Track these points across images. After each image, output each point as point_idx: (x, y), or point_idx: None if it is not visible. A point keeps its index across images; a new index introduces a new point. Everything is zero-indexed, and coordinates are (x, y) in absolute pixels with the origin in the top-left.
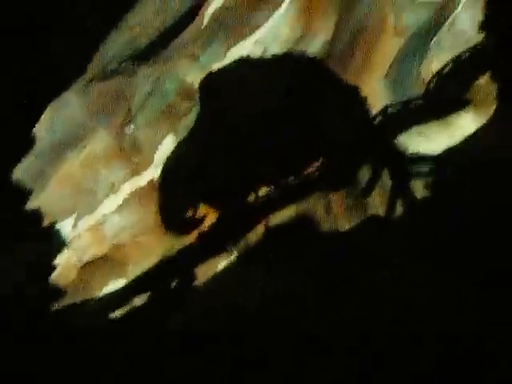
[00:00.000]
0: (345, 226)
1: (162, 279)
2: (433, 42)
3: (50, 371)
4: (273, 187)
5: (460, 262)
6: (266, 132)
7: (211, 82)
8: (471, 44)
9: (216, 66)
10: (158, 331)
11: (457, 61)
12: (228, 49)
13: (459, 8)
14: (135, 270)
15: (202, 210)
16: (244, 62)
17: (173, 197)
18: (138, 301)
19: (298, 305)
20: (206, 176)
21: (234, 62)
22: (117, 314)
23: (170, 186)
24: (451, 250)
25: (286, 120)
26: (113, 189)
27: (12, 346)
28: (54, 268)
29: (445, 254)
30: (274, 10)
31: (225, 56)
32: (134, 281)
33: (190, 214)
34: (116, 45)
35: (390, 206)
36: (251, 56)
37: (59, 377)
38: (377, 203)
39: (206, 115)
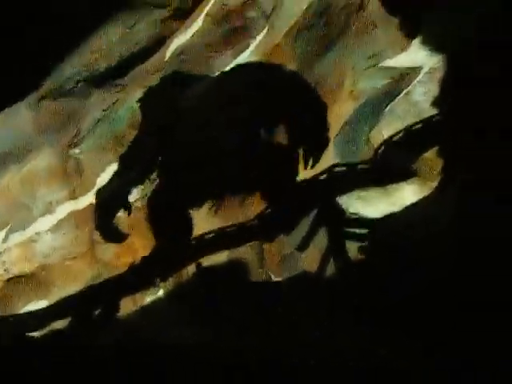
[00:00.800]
0: (276, 277)
1: (86, 306)
2: (386, 109)
3: None
4: (209, 229)
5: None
6: (212, 177)
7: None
8: (423, 117)
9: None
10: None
11: (407, 131)
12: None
13: (417, 79)
14: (60, 292)
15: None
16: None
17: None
18: (58, 325)
19: (217, 350)
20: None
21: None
22: (35, 334)
23: (105, 210)
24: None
25: (236, 168)
26: (49, 208)
27: None
28: None
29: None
30: (236, 56)
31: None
32: (56, 303)
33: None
34: (74, 66)
35: (323, 264)
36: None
37: None
38: (310, 259)
39: (153, 136)
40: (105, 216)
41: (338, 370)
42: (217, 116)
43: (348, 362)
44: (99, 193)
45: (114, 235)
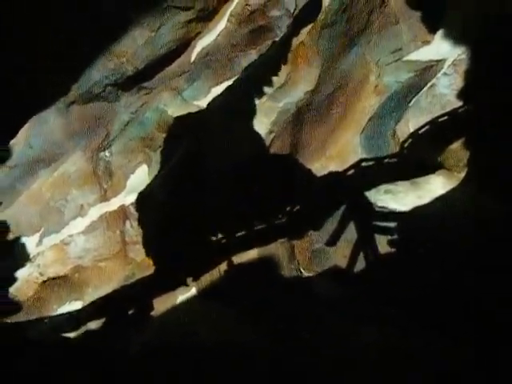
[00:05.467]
0: (307, 272)
1: (120, 306)
2: (411, 102)
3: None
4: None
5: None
6: (241, 177)
7: (193, 122)
8: (448, 109)
9: (198, 104)
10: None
11: (433, 124)
12: (212, 87)
13: (441, 72)
14: (94, 293)
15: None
16: (227, 107)
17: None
18: (93, 324)
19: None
20: (174, 210)
21: (217, 106)
22: (71, 334)
23: (142, 214)
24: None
25: (262, 167)
26: (81, 211)
27: None
28: (14, 281)
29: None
30: (260, 55)
31: (208, 93)
32: (91, 304)
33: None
34: (102, 70)
35: (353, 258)
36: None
37: None
38: (340, 254)
39: (185, 153)
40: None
41: (363, 363)
42: (237, 119)
43: (371, 356)
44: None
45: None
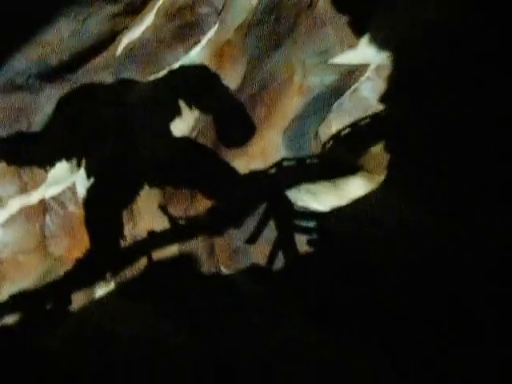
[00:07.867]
0: (226, 270)
1: (38, 300)
2: (335, 105)
3: None
4: (160, 224)
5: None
6: (162, 174)
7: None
8: (370, 112)
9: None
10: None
11: (354, 126)
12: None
13: (365, 76)
14: (12, 287)
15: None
16: (150, 102)
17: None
18: (10, 319)
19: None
20: (95, 206)
21: (140, 101)
22: None
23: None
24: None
25: (184, 164)
26: (0, 203)
27: None
28: None
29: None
30: (186, 52)
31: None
32: (9, 298)
33: None
34: (25, 60)
35: (272, 257)
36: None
37: None
38: (259, 253)
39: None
40: None
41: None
42: (160, 115)
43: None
44: None
45: None
